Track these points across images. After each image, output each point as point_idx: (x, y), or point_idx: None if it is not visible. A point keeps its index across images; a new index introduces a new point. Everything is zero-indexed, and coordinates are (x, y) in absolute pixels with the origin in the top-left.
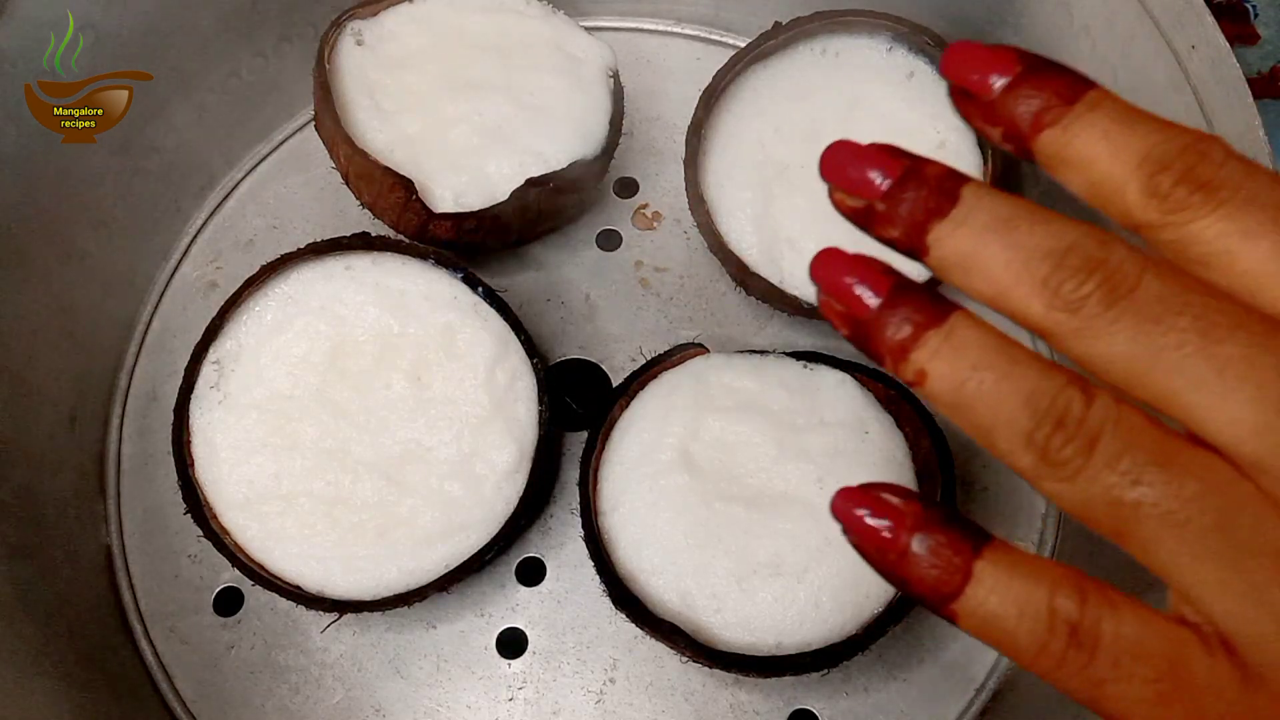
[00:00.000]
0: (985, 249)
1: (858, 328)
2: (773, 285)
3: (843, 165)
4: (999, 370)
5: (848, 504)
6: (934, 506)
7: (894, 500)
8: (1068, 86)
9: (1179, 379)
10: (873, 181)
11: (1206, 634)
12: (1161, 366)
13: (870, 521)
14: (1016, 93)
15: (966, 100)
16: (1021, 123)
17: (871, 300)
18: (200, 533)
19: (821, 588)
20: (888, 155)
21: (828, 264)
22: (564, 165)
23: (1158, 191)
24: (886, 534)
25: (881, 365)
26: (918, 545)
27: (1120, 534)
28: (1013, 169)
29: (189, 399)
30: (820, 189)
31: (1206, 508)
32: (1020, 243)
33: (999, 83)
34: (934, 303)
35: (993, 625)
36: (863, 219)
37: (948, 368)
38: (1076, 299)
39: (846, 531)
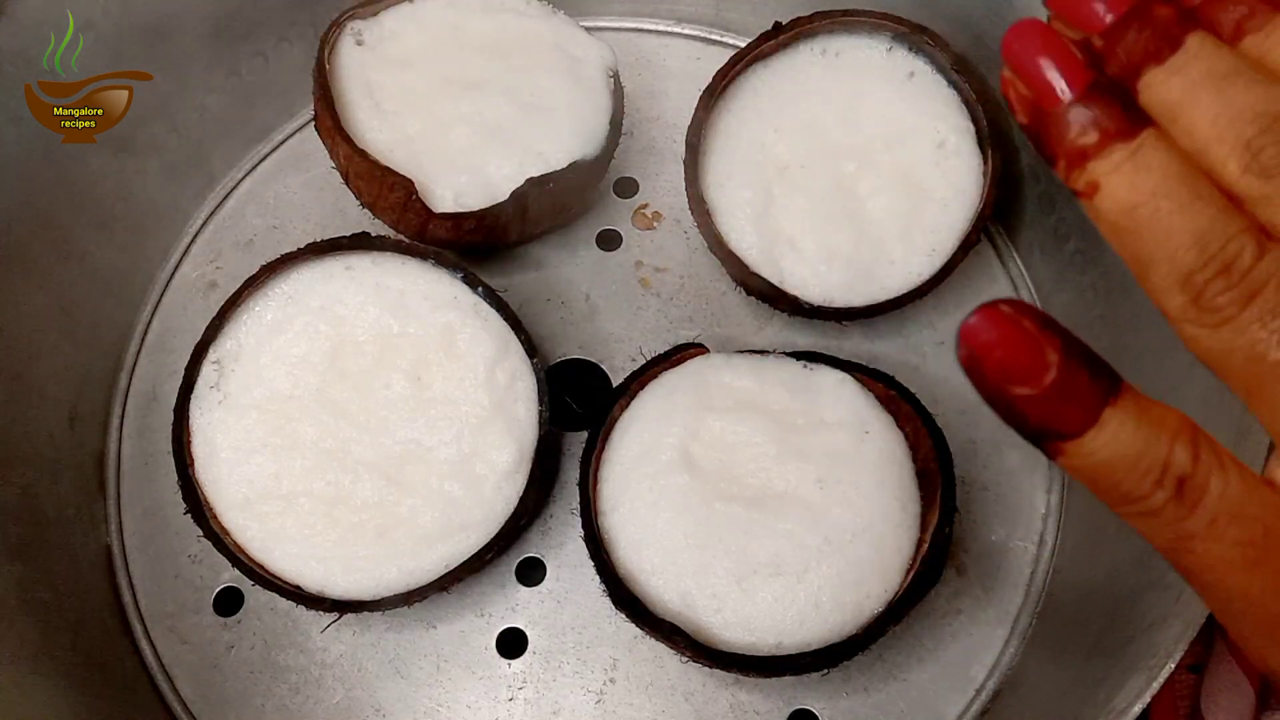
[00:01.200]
0: (1195, 102)
1: (1038, 118)
2: (773, 285)
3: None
4: (1178, 200)
5: (982, 325)
6: (1076, 341)
7: (1036, 328)
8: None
9: None
10: (1096, 14)
11: None
12: None
13: (1003, 348)
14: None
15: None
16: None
17: (1063, 91)
18: (200, 533)
19: (821, 588)
20: None
21: (1023, 37)
22: (564, 165)
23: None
24: (1022, 361)
25: (1052, 165)
26: (1052, 382)
27: (1251, 392)
28: (1011, 166)
29: (189, 399)
30: (819, 188)
31: None
32: (1232, 100)
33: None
34: (1128, 113)
35: (1100, 472)
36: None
37: (1126, 187)
38: (1274, 165)
39: (968, 349)
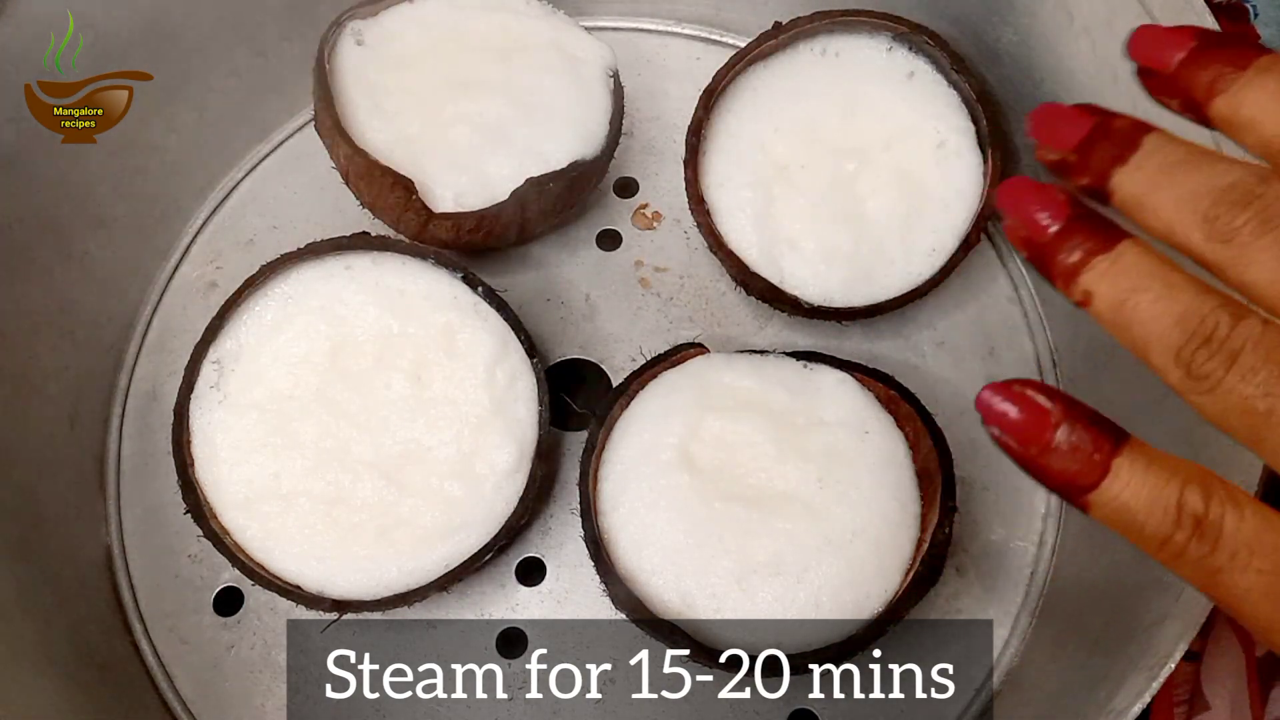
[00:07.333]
0: (1157, 190)
1: (1035, 250)
2: (773, 285)
3: (1047, 123)
4: (1156, 292)
5: (993, 398)
6: (1078, 404)
7: (1040, 398)
8: (1238, 55)
9: None
10: (1068, 135)
11: None
12: None
13: (1014, 415)
14: (1191, 66)
15: (1148, 77)
16: (1197, 92)
17: (1050, 225)
18: (200, 533)
19: (821, 588)
20: (1081, 113)
21: (1014, 191)
22: (564, 165)
23: None
24: (1031, 426)
25: (1054, 285)
26: (1062, 439)
27: (1254, 441)
28: (1011, 167)
29: (189, 399)
30: (819, 188)
31: None
32: (1186, 182)
33: (1176, 58)
34: (1105, 230)
35: (1123, 516)
36: (1060, 170)
37: (1110, 289)
38: (1230, 229)
39: (988, 424)
